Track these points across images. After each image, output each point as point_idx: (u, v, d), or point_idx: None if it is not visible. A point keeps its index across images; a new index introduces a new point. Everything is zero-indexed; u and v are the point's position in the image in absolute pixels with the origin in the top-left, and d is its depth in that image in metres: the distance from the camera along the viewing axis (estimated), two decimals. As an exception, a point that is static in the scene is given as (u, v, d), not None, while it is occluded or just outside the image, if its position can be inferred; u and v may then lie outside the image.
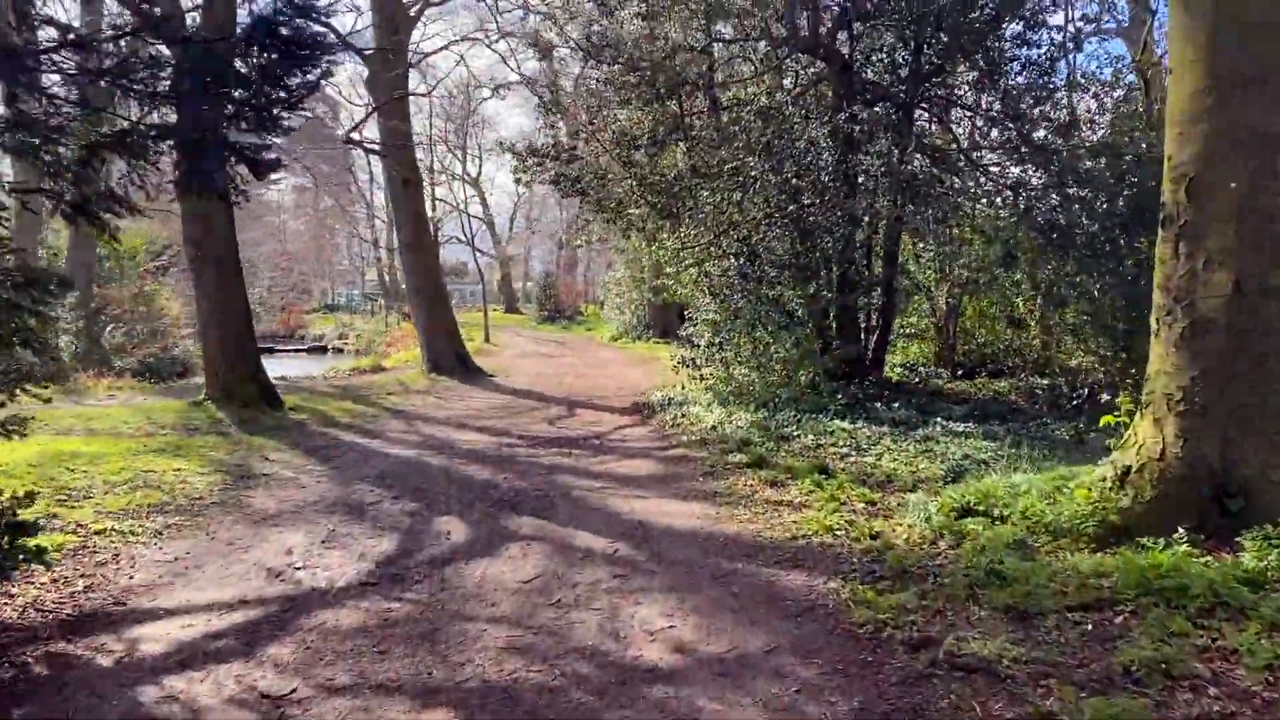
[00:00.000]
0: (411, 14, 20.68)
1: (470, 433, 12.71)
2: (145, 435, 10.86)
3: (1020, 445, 10.27)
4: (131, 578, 6.05)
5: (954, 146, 14.70)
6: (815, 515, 7.42)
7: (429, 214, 43.24)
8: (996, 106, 14.10)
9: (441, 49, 21.22)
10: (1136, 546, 5.46)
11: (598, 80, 15.18)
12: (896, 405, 12.71)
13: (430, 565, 6.41)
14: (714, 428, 12.20)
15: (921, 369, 18.23)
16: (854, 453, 10.14)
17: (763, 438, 11.06)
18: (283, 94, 5.92)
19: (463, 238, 45.94)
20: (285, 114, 6.14)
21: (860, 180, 14.20)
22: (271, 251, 55.91)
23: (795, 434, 11.18)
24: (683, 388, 15.72)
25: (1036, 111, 13.50)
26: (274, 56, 5.88)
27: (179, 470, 8.98)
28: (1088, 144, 13.58)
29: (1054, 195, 12.70)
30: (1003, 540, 5.68)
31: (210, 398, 13.30)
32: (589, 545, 6.88)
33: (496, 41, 22.80)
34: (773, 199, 14.20)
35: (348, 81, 50.17)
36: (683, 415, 13.51)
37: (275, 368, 31.08)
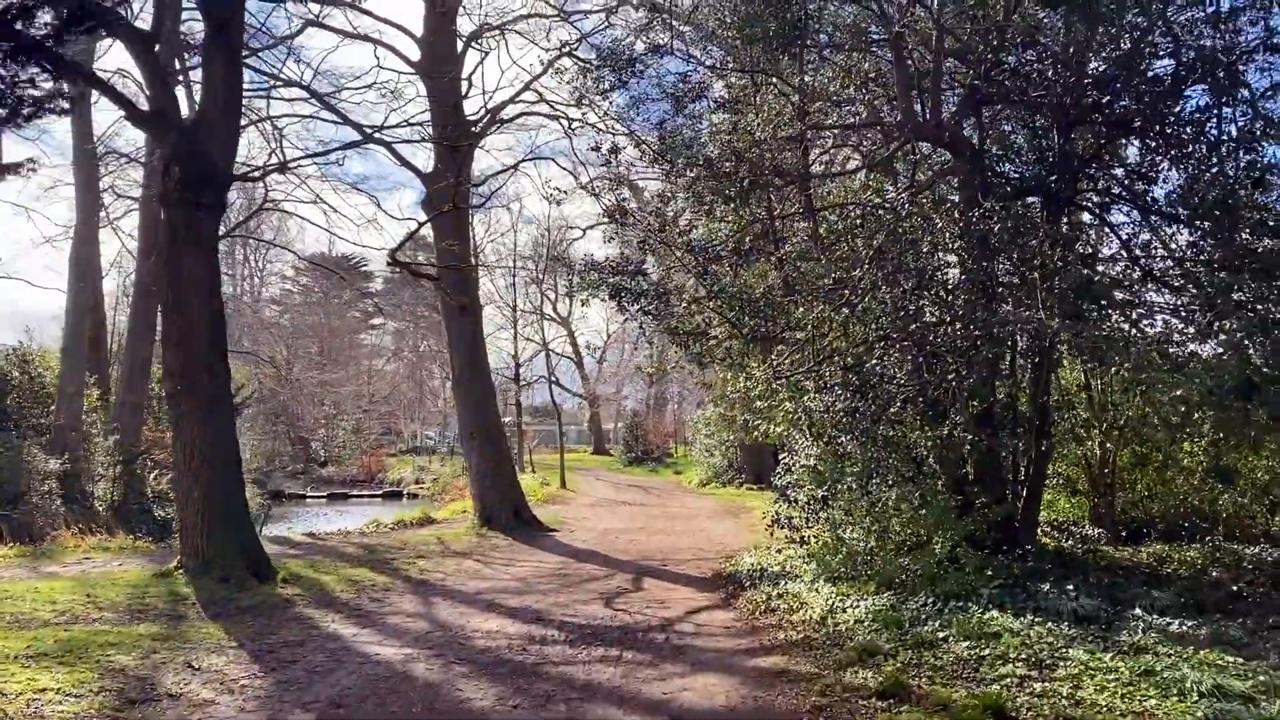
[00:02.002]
0: (475, 130, 19.02)
1: (497, 618, 9.67)
2: (56, 625, 8.17)
3: (1285, 661, 7.08)
4: None
5: (1124, 251, 11.53)
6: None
7: (513, 351, 41.94)
8: (1177, 196, 10.91)
9: (510, 168, 19.24)
10: None
11: (667, 175, 12.78)
12: (1071, 588, 9.30)
13: None
14: (823, 619, 9.07)
15: (1074, 530, 14.64)
16: (1035, 672, 7.05)
17: (894, 641, 7.94)
18: None
19: (546, 376, 44.12)
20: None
21: (1000, 291, 11.17)
22: (355, 394, 55.35)
23: (940, 635, 8.01)
24: (779, 553, 12.53)
25: (1243, 205, 10.11)
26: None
27: (42, 692, 6.17)
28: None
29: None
30: None
31: (183, 566, 10.63)
32: None
33: (588, 184, 20.61)
34: (886, 318, 11.26)
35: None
36: (779, 595, 10.40)
37: (339, 519, 29.05)
